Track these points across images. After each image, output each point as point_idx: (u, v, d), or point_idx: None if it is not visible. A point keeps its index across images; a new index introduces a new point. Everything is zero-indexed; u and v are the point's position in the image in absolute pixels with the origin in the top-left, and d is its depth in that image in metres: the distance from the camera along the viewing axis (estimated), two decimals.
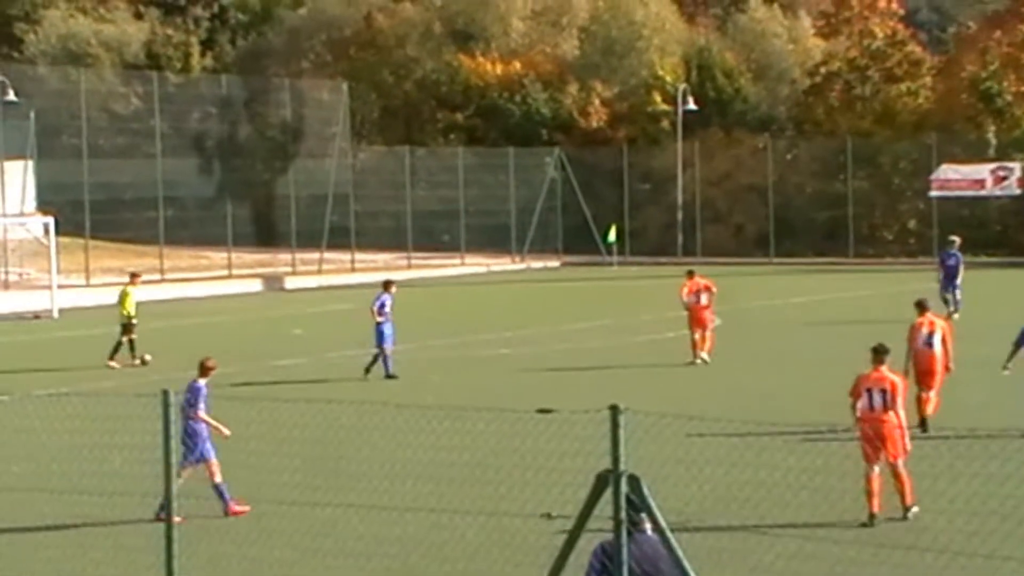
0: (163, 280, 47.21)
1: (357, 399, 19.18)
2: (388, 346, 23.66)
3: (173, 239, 51.95)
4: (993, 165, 56.57)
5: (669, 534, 6.30)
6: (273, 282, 51.03)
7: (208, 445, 13.40)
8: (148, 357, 26.12)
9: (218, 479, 13.31)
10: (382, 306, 23.90)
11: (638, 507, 6.45)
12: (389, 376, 23.29)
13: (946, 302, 33.23)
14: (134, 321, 26.64)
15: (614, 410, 6.45)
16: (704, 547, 10.42)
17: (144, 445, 9.22)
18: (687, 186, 62.00)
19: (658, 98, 65.66)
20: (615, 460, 6.32)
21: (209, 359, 13.94)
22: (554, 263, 61.59)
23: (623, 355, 26.38)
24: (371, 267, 56.09)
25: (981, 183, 56.66)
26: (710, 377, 23.62)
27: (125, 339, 26.46)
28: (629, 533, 6.39)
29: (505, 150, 62.77)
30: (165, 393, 8.63)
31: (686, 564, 6.27)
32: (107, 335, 27.91)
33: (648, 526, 6.47)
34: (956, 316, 33.11)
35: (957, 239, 34.99)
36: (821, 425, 13.01)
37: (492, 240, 61.40)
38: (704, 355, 24.98)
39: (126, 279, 29.03)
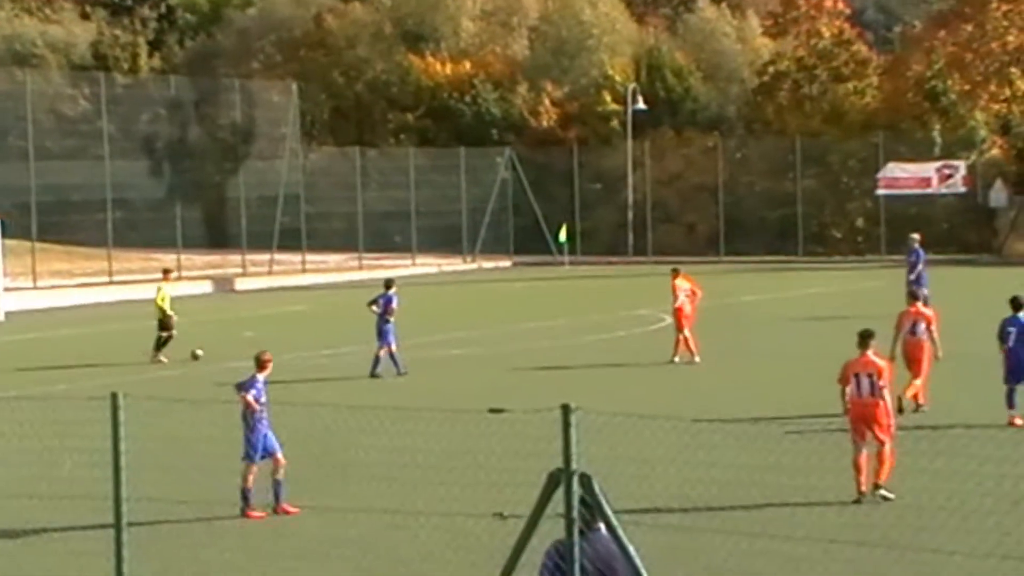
0: (111, 283, 46.81)
1: (310, 401, 19.13)
2: (394, 344, 23.98)
3: (122, 242, 51.51)
4: (939, 163, 57.22)
5: (621, 533, 6.34)
6: (223, 284, 50.72)
7: (272, 439, 13.40)
8: (200, 352, 26.60)
9: (280, 476, 13.28)
10: (388, 302, 24.16)
11: (590, 506, 6.49)
12: (401, 374, 23.57)
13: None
14: (172, 316, 27.38)
15: (566, 409, 6.49)
16: (657, 546, 10.48)
17: (95, 449, 9.16)
18: (638, 186, 62.27)
19: (608, 98, 65.89)
20: (567, 459, 6.36)
21: (265, 352, 13.81)
22: (505, 263, 61.63)
23: (575, 355, 26.42)
24: (322, 268, 55.88)
25: (927, 181, 57.31)
26: (662, 376, 23.72)
27: (164, 335, 27.25)
28: (582, 532, 6.43)
29: (456, 151, 62.74)
30: (114, 396, 8.57)
31: (639, 563, 6.31)
32: (56, 338, 27.64)
33: (601, 525, 6.51)
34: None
35: (917, 236, 35.12)
36: (773, 423, 13.11)
37: (443, 241, 61.35)
38: (678, 358, 24.80)
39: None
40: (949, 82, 60.67)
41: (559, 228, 59.09)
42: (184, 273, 50.91)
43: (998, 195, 55.91)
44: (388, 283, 24.80)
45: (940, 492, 12.00)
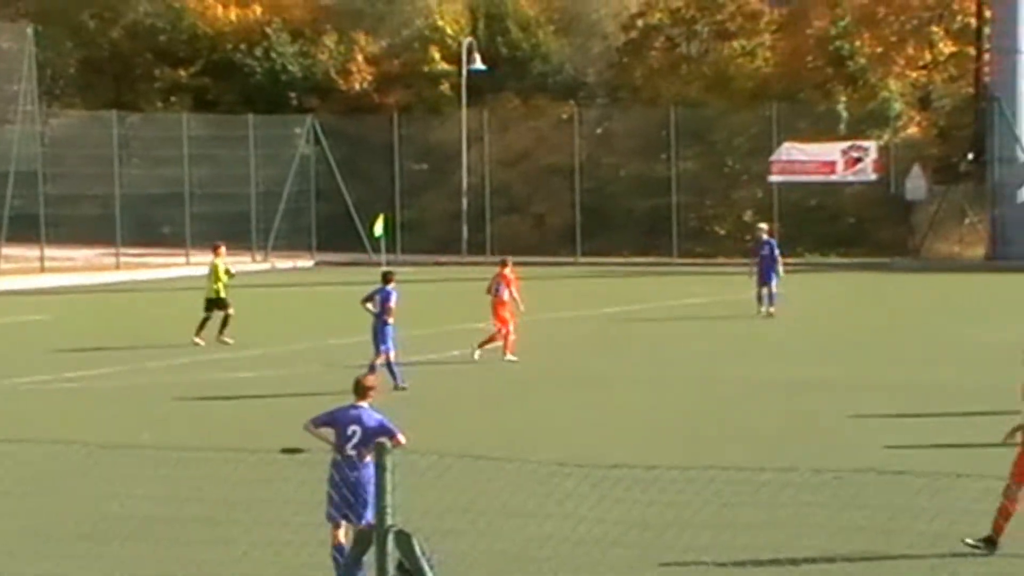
0: None
1: (48, 437, 18.76)
2: (393, 350, 25.02)
3: None
4: (845, 144, 58.46)
5: None
6: None
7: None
8: (229, 340, 31.21)
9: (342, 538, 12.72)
10: (387, 299, 25.12)
11: (409, 571, 6.53)
12: (399, 388, 24.44)
13: (761, 299, 35.76)
14: (224, 297, 31.82)
15: (380, 449, 6.52)
16: None
17: None
18: (475, 166, 62.55)
19: (437, 55, 66.08)
20: (381, 512, 6.39)
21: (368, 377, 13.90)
22: (307, 262, 61.33)
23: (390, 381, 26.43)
24: (67, 267, 54.85)
25: (831, 166, 58.49)
26: (501, 407, 23.89)
27: (222, 313, 31.67)
28: None
29: (244, 118, 62.23)
30: None
31: None
32: None
33: None
34: (772, 312, 35.28)
35: (765, 225, 39.70)
36: (637, 467, 13.30)
37: (227, 233, 60.09)
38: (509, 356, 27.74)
39: None
40: (858, 43, 62.30)
41: (375, 219, 58.95)
42: None
43: (916, 184, 57.50)
44: (386, 276, 25.82)
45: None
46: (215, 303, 31.95)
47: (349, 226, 61.86)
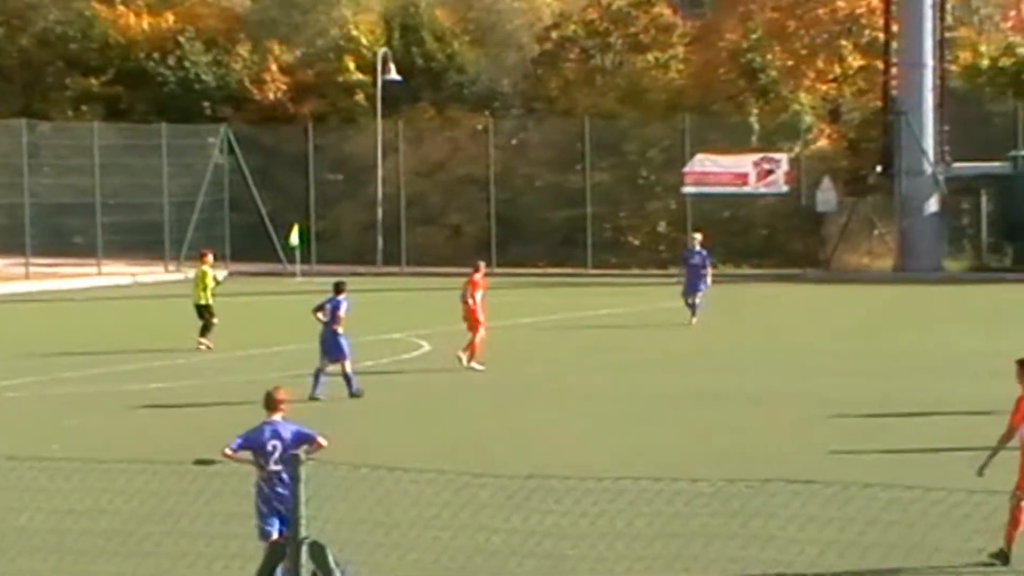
0: None
1: None
2: (348, 360, 25.26)
3: None
4: (757, 156, 58.91)
5: None
6: None
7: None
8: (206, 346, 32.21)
9: None
10: (336, 308, 25.42)
11: None
12: (354, 395, 24.94)
13: (690, 307, 36.20)
14: (209, 304, 33.14)
15: (294, 460, 6.51)
16: None
17: None
18: (390, 177, 62.44)
19: (352, 65, 65.91)
20: (295, 524, 6.37)
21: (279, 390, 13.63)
22: (220, 272, 60.70)
23: (308, 389, 26.34)
24: None
25: (744, 178, 58.91)
26: (415, 418, 23.87)
27: (209, 320, 32.85)
28: None
29: (157, 127, 61.75)
30: None
31: None
32: None
33: None
34: (694, 322, 35.72)
35: (699, 235, 39.59)
36: (552, 476, 13.35)
37: (140, 243, 60.21)
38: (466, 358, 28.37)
39: None
40: (769, 56, 62.82)
41: (290, 229, 58.74)
42: None
43: (826, 196, 58.04)
44: (338, 286, 26.05)
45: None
46: (204, 309, 33.26)
47: (263, 236, 61.55)
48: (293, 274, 57.96)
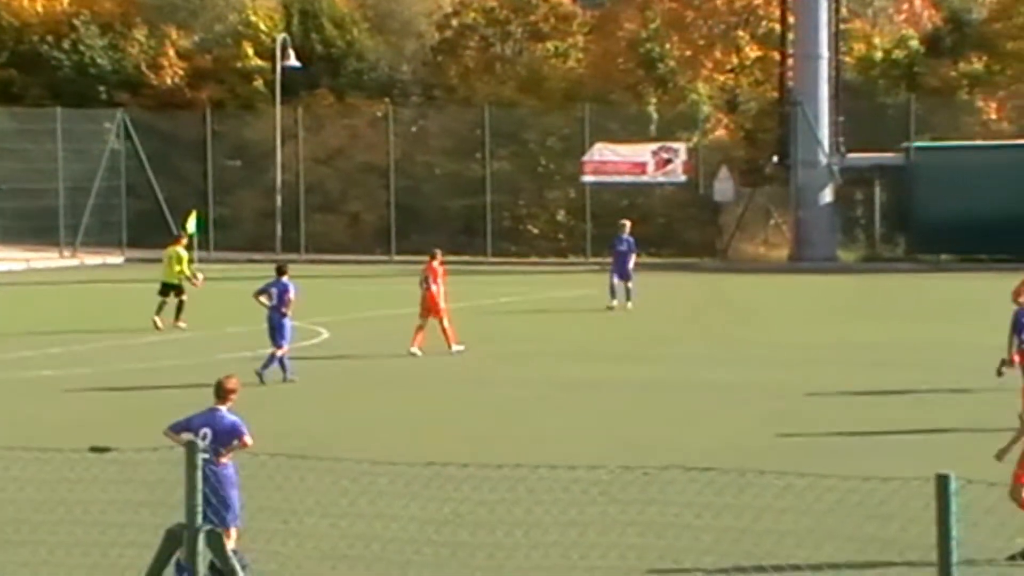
0: None
1: None
2: (287, 344, 25.37)
3: None
4: (655, 146, 59.26)
5: None
6: None
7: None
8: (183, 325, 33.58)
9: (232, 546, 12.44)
10: (284, 291, 25.45)
11: (220, 569, 6.48)
12: (288, 380, 25.07)
13: (614, 293, 36.83)
14: (180, 284, 34.25)
15: (191, 448, 6.46)
16: None
17: None
18: (289, 163, 62.15)
19: (251, 51, 65.53)
20: (191, 511, 6.33)
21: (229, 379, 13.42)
22: (117, 259, 60.37)
23: (211, 375, 26.17)
24: None
25: (642, 167, 59.26)
26: (314, 406, 23.80)
27: (176, 299, 34.01)
28: None
29: (51, 111, 61.09)
30: None
31: None
32: None
33: None
34: (630, 306, 36.33)
35: (627, 222, 40.60)
36: (450, 465, 13.37)
37: (33, 228, 59.58)
38: (415, 349, 28.57)
39: None
40: (667, 46, 63.18)
41: (187, 215, 58.18)
42: None
43: (723, 186, 58.49)
44: (281, 269, 26.15)
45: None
46: (171, 288, 34.38)
47: (160, 222, 60.97)
48: (191, 261, 57.46)
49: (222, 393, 13.25)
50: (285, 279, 25.87)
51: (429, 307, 29.18)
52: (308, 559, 12.87)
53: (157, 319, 33.65)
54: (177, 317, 33.97)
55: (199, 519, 6.39)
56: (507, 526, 13.15)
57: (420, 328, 28.95)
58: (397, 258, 58.86)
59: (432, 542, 13.14)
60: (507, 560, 12.94)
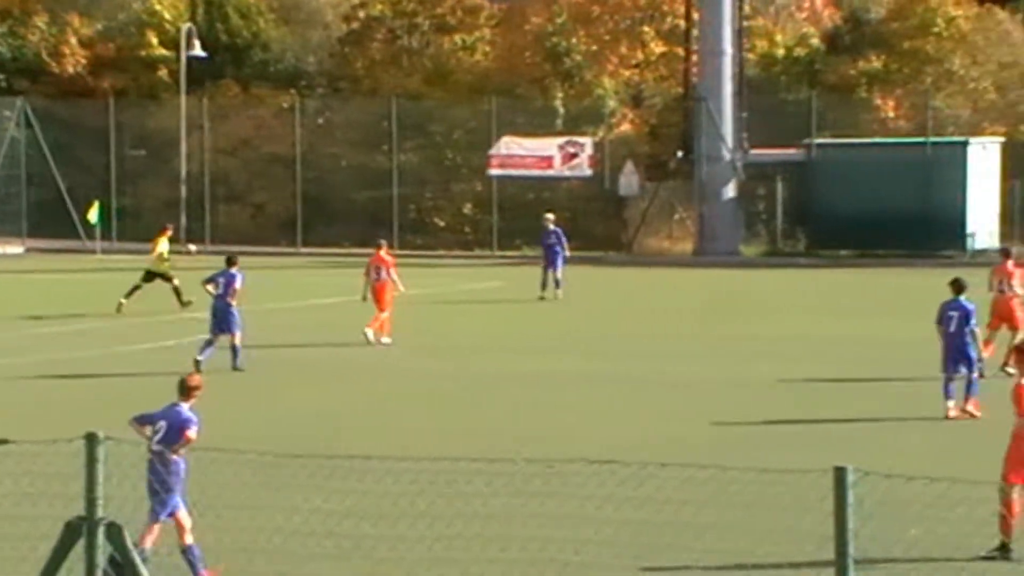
0: None
1: None
2: (239, 333, 25.63)
3: None
4: (562, 140, 59.47)
5: None
6: None
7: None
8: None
9: (189, 540, 12.70)
10: (231, 281, 25.72)
11: (120, 563, 6.44)
12: (237, 369, 25.30)
13: (545, 285, 38.79)
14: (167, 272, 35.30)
15: (91, 440, 6.41)
16: None
17: None
18: (194, 154, 61.70)
19: (155, 40, 64.94)
20: (91, 504, 6.29)
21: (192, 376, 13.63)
22: (17, 249, 59.64)
23: (113, 367, 25.99)
24: None
25: (548, 161, 59.43)
26: (222, 398, 23.65)
27: (170, 285, 35.06)
28: None
29: None
30: None
31: None
32: None
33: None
34: (560, 295, 38.08)
35: (551, 215, 42.62)
36: (354, 457, 13.36)
37: None
38: (384, 338, 29.27)
39: None
40: (574, 40, 63.37)
41: (89, 205, 57.70)
42: None
43: (628, 181, 58.82)
44: (231, 259, 26.54)
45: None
46: (158, 275, 35.57)
47: (62, 212, 60.39)
48: (93, 251, 56.94)
49: (184, 390, 13.46)
50: (234, 270, 26.25)
51: (379, 297, 29.81)
52: (209, 552, 12.82)
53: (124, 300, 34.82)
54: (181, 303, 34.74)
55: (99, 511, 6.35)
56: (409, 518, 13.17)
57: (381, 318, 29.62)
58: (303, 250, 58.63)
59: (334, 534, 13.13)
60: (408, 552, 12.96)
